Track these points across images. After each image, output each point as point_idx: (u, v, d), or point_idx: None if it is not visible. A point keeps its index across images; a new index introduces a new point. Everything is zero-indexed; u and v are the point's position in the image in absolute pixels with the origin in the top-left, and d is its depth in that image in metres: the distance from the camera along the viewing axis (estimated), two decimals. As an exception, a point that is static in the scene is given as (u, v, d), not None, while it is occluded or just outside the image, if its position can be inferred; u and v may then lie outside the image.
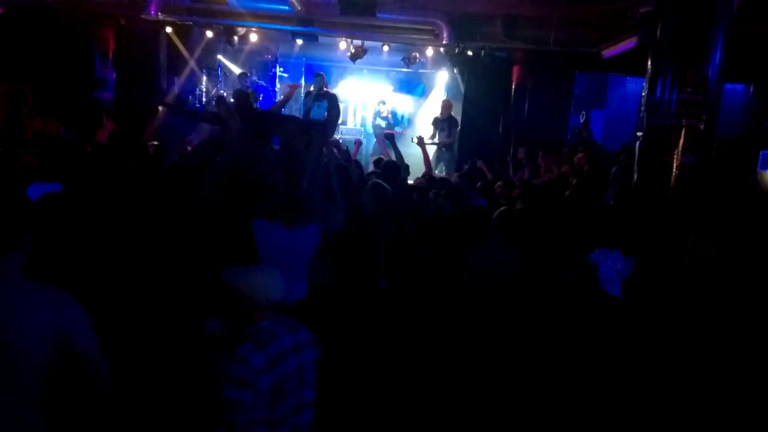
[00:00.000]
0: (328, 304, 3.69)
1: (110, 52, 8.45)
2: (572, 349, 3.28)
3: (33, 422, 1.98)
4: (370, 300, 3.96)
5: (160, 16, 8.38)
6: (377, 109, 11.12)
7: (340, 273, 3.84)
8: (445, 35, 8.67)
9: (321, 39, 9.61)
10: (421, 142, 7.30)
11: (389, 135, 7.26)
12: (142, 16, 8.17)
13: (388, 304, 4.06)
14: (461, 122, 9.80)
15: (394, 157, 5.70)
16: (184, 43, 9.49)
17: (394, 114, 11.53)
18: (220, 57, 10.87)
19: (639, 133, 4.18)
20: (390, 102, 11.54)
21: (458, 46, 8.80)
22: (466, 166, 7.56)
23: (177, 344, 2.71)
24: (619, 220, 4.05)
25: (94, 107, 7.41)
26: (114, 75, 8.50)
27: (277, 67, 12.02)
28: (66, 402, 2.08)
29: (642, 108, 4.17)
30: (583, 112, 6.90)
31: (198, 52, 9.86)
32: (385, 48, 9.57)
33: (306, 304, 3.59)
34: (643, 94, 4.21)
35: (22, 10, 7.77)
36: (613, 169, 5.41)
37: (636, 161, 4.03)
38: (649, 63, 4.35)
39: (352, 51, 9.60)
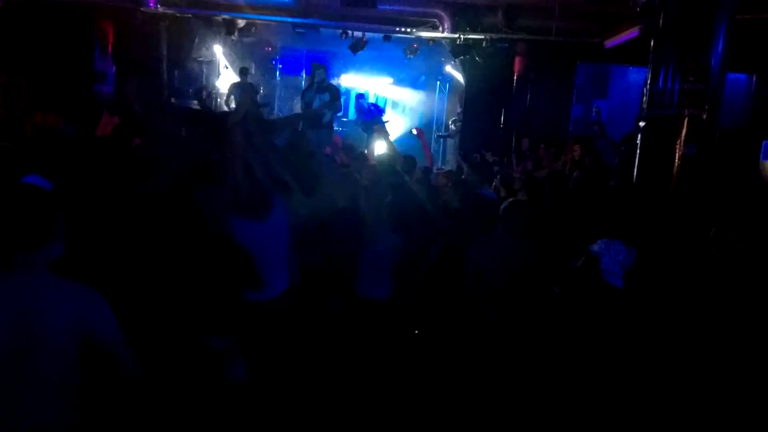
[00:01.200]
0: (296, 309, 3.54)
1: (110, 45, 8.42)
2: (575, 341, 3.28)
3: (59, 414, 2.01)
4: (350, 308, 3.78)
5: (160, 9, 8.35)
6: (356, 106, 11.06)
7: (311, 274, 3.62)
8: (446, 26, 8.63)
9: (321, 31, 9.58)
10: (420, 134, 7.29)
11: (376, 126, 7.18)
12: (142, 9, 8.15)
13: (386, 314, 3.89)
14: (463, 113, 9.78)
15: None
16: (184, 36, 9.46)
17: (378, 105, 11.44)
18: (219, 50, 10.83)
19: (641, 124, 4.17)
20: (373, 92, 11.50)
21: (459, 37, 8.76)
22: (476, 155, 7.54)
23: (175, 353, 2.69)
24: (621, 210, 4.04)
25: (93, 101, 7.40)
26: (114, 68, 8.48)
27: (278, 59, 11.99)
28: (92, 394, 2.11)
29: (644, 98, 4.15)
30: (597, 106, 6.92)
31: (198, 45, 9.84)
32: (386, 40, 9.52)
33: (289, 295, 3.55)
34: (646, 84, 4.19)
35: (21, 3, 7.74)
36: (616, 160, 5.40)
37: (638, 152, 4.02)
38: (652, 53, 4.32)
39: (353, 43, 9.56)
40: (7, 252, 1.95)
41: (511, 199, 4.01)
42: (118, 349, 2.08)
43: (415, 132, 7.32)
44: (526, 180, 5.41)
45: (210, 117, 5.13)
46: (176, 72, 9.50)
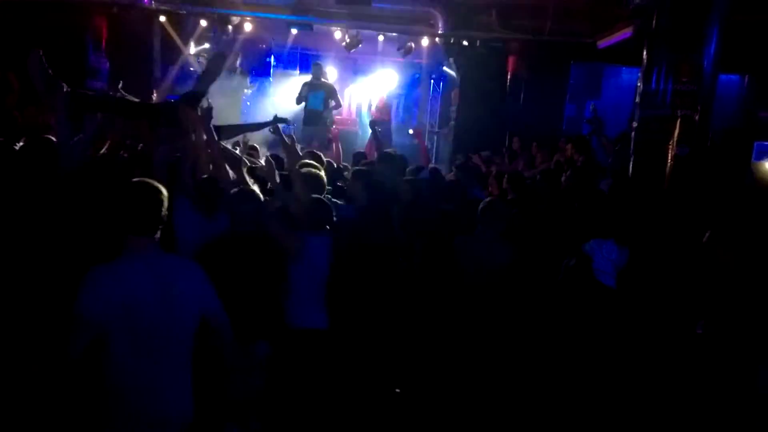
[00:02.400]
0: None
1: (103, 41, 8.37)
2: (567, 340, 3.30)
3: (186, 376, 2.34)
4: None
5: (154, 5, 8.31)
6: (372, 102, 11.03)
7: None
8: (440, 25, 8.64)
9: (316, 28, 9.55)
10: (417, 134, 7.30)
11: (371, 122, 7.16)
12: (136, 4, 8.10)
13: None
14: (456, 112, 9.81)
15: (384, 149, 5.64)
16: (177, 32, 9.41)
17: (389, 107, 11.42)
18: (210, 47, 10.76)
19: (634, 124, 4.20)
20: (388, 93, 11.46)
21: (453, 36, 8.77)
22: (459, 157, 7.57)
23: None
24: (614, 210, 4.07)
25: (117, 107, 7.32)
26: (107, 64, 8.43)
27: (272, 56, 11.94)
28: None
29: (637, 98, 4.18)
30: (593, 104, 6.98)
31: (192, 41, 9.79)
32: (381, 38, 9.52)
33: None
34: (639, 84, 4.22)
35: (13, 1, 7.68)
36: (610, 160, 5.44)
37: (632, 151, 4.05)
38: (645, 53, 4.35)
39: (348, 41, 9.55)
40: (137, 237, 2.22)
41: (488, 199, 4.01)
42: (220, 317, 2.40)
43: (411, 132, 7.34)
44: (512, 179, 5.43)
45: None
46: (170, 68, 9.44)
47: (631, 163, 4.06)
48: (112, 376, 2.19)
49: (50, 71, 4.37)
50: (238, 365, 2.69)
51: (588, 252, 3.40)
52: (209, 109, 3.88)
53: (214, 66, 4.82)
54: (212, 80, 4.52)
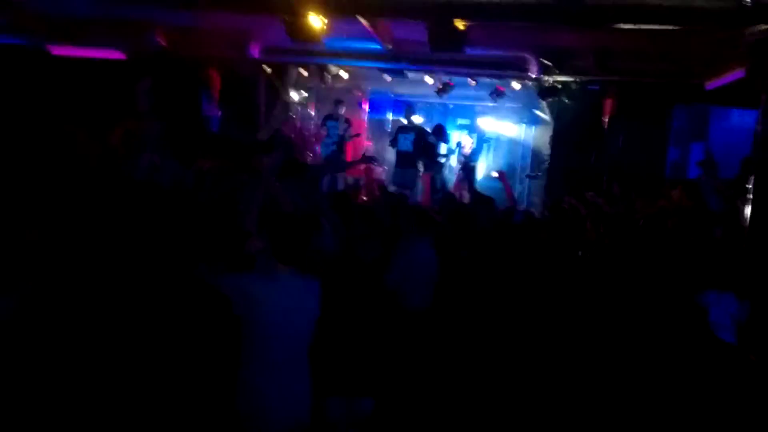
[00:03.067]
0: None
1: (215, 92, 9.13)
2: (683, 397, 3.07)
3: (305, 383, 2.70)
4: None
5: (261, 57, 8.99)
6: (459, 145, 11.04)
7: None
8: (534, 69, 8.61)
9: (409, 75, 9.86)
10: (502, 176, 7.24)
11: (463, 165, 7.23)
12: (245, 58, 8.79)
13: None
14: (550, 155, 9.64)
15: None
16: (280, 82, 10.08)
17: (476, 150, 11.41)
18: (306, 95, 11.36)
19: (752, 169, 3.94)
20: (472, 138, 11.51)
21: (547, 80, 8.71)
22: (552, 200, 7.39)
23: None
24: (729, 260, 3.79)
25: (202, 143, 7.97)
26: (220, 113, 9.17)
27: (366, 103, 12.44)
28: None
29: (756, 141, 3.92)
30: (708, 146, 6.65)
31: (292, 89, 10.43)
32: (473, 82, 9.64)
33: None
34: (757, 126, 3.97)
35: (143, 58, 8.62)
36: (723, 206, 5.09)
37: (751, 198, 3.77)
38: (762, 94, 4.11)
39: (440, 86, 9.76)
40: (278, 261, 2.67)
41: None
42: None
43: (495, 175, 7.33)
44: (612, 223, 5.22)
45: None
46: (273, 115, 10.07)
47: (751, 210, 3.78)
48: (241, 380, 2.54)
49: (153, 98, 4.85)
50: (339, 418, 2.89)
51: (704, 304, 3.18)
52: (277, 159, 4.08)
53: (278, 115, 5.15)
54: (275, 128, 4.82)
